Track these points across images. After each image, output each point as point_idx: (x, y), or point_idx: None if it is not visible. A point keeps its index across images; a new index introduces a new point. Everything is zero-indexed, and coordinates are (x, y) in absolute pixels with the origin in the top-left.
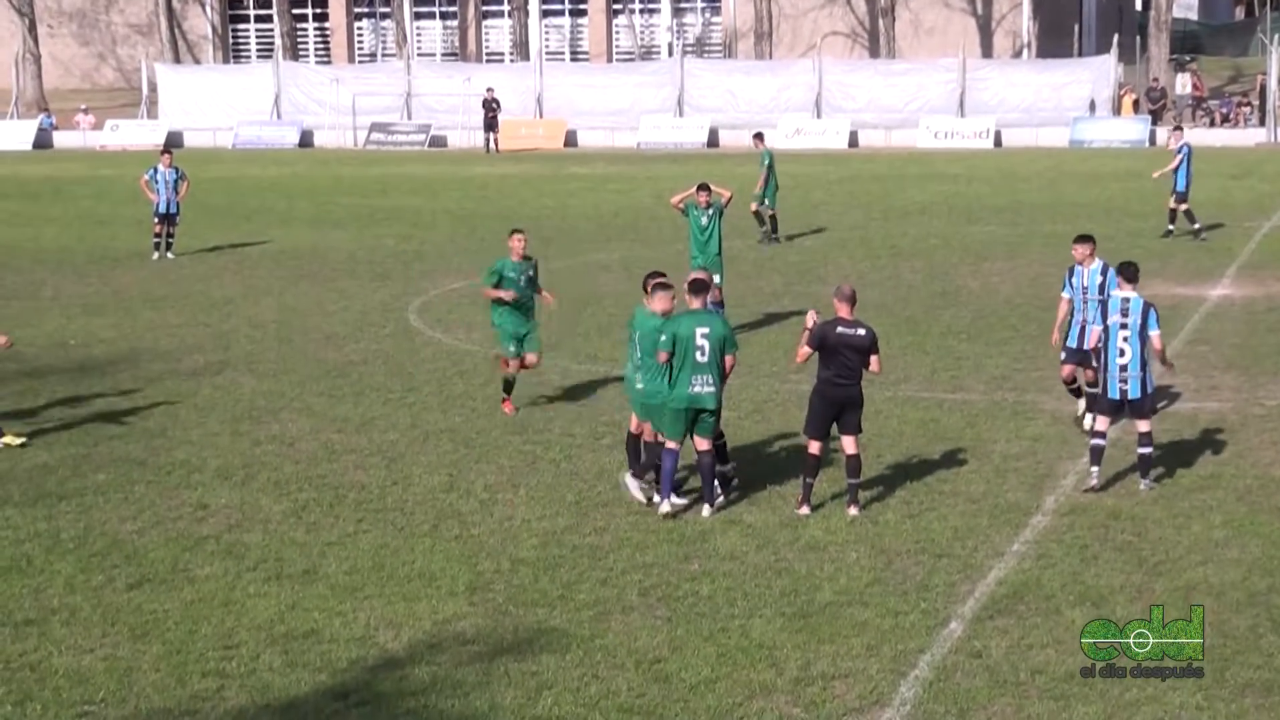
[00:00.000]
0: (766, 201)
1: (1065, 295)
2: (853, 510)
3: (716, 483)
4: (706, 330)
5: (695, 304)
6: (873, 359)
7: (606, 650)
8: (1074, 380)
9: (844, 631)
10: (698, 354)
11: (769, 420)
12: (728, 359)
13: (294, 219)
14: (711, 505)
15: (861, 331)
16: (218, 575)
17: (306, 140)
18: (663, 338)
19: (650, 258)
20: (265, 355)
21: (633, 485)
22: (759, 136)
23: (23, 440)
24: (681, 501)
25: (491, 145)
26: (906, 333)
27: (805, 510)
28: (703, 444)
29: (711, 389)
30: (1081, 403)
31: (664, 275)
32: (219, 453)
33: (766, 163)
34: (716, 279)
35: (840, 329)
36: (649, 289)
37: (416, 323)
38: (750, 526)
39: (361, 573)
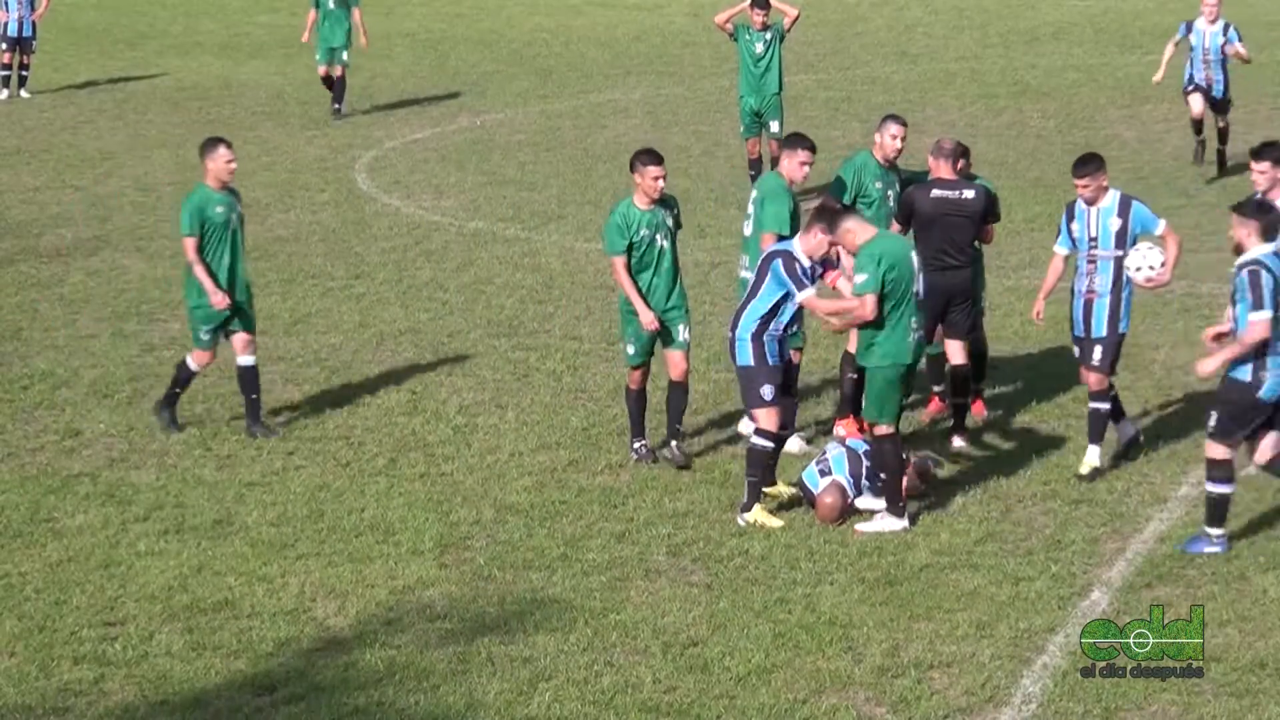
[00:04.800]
0: (345, 58)
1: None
2: (958, 441)
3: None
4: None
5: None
6: (989, 228)
7: (624, 629)
8: None
9: (945, 604)
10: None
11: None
12: None
13: (196, 45)
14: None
15: (969, 194)
16: (95, 527)
17: None
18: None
19: (683, 97)
20: (158, 230)
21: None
22: None
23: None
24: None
25: None
26: (1034, 201)
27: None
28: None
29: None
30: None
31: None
32: (94, 361)
33: None
34: (774, 126)
35: (937, 192)
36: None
37: (366, 185)
38: None
39: (293, 524)
